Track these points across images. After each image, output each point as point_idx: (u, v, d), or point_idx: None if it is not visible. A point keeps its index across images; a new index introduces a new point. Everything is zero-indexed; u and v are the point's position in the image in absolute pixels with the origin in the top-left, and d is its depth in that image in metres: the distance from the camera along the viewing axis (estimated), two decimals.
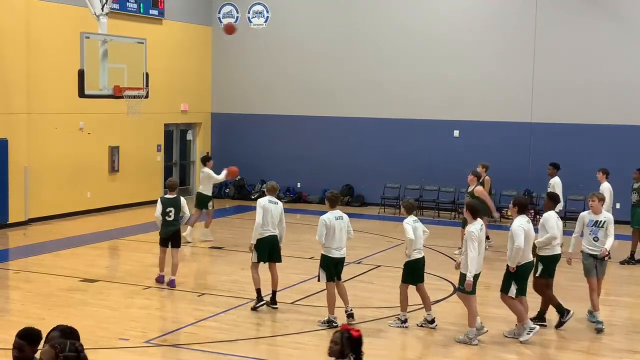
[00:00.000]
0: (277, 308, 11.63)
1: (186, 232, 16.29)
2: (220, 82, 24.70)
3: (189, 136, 24.75)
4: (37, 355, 5.02)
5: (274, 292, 11.71)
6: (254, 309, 11.53)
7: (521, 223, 10.18)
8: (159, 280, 13.12)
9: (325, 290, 10.87)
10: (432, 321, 10.80)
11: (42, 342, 5.14)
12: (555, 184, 15.91)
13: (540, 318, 11.10)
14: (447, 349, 10.03)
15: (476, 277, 10.14)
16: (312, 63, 23.31)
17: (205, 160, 17.39)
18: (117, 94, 15.16)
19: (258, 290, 11.58)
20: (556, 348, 10.25)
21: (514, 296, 10.22)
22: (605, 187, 15.21)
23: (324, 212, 10.80)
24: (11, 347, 5.18)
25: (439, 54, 21.82)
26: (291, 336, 10.38)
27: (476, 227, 10.05)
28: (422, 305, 10.98)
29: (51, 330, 5.37)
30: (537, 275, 10.76)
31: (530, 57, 20.86)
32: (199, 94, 24.31)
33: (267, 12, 23.86)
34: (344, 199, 22.58)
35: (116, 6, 19.42)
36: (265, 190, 12.10)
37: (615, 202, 16.34)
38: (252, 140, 24.10)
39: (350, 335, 5.46)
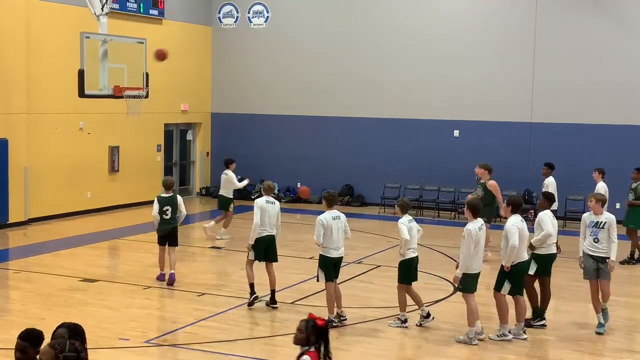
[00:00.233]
0: (277, 307, 11.64)
1: (208, 225, 17.20)
2: (220, 82, 24.70)
3: (189, 136, 24.75)
4: (38, 356, 5.02)
5: (272, 292, 11.74)
6: (249, 305, 11.61)
7: (515, 222, 10.21)
8: (160, 278, 13.17)
9: (325, 290, 10.87)
10: (428, 315, 10.83)
11: (44, 341, 5.14)
12: (550, 184, 15.93)
13: (540, 318, 11.11)
14: (447, 349, 10.03)
15: (475, 276, 10.15)
16: (312, 63, 23.31)
17: (228, 163, 17.44)
18: (117, 94, 15.16)
19: (251, 285, 11.71)
20: (556, 348, 10.25)
21: (505, 294, 10.23)
22: (601, 187, 15.25)
23: (323, 212, 10.81)
24: (12, 347, 5.17)
25: (439, 54, 21.82)
26: (291, 336, 10.33)
27: (475, 225, 10.07)
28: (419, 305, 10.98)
29: (57, 328, 5.38)
30: (529, 273, 10.77)
31: (530, 57, 20.86)
32: (199, 94, 24.31)
33: (267, 12, 23.88)
34: (344, 199, 22.61)
35: (116, 6, 19.42)
36: (262, 190, 12.15)
37: (615, 202, 16.36)
38: (252, 140, 24.10)
39: (315, 324, 5.59)
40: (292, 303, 11.98)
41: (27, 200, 18.46)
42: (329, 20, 23.10)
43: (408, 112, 22.29)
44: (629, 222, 15.75)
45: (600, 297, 10.73)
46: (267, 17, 23.89)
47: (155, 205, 13.05)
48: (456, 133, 21.86)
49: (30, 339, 5.10)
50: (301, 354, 5.54)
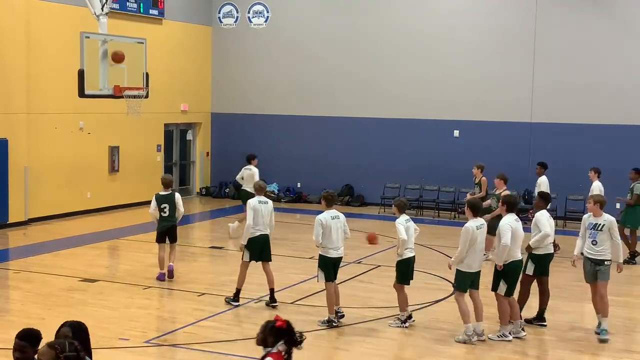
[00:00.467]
0: (276, 306, 11.65)
1: (232, 228, 17.24)
2: (220, 82, 24.70)
3: (189, 136, 24.75)
4: (36, 356, 5.01)
5: (271, 291, 11.76)
6: (227, 302, 11.72)
7: (509, 221, 10.22)
8: (160, 278, 13.18)
9: (325, 290, 10.88)
10: (409, 317, 10.86)
11: (42, 340, 5.13)
12: (542, 183, 15.96)
13: (539, 318, 11.12)
14: (447, 349, 10.03)
15: (471, 275, 10.15)
16: (312, 63, 23.31)
17: (250, 159, 17.65)
18: (117, 94, 15.15)
19: (238, 291, 11.77)
20: (556, 348, 10.25)
21: (502, 294, 10.24)
22: (596, 186, 15.29)
23: (322, 212, 10.82)
24: (11, 347, 5.16)
25: (439, 53, 21.83)
26: None
27: (473, 224, 10.09)
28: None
29: (61, 327, 5.37)
30: (527, 273, 10.76)
31: (530, 57, 20.86)
32: (199, 94, 24.31)
33: (267, 12, 23.88)
34: (344, 199, 22.61)
35: (116, 6, 19.43)
36: (254, 190, 12.22)
37: (615, 202, 16.36)
38: (252, 140, 24.08)
39: (273, 325, 5.61)
40: (292, 303, 11.98)
41: (27, 200, 18.46)
42: (329, 20, 23.10)
43: (408, 112, 22.29)
44: (626, 222, 15.74)
45: (597, 302, 10.58)
46: (267, 17, 23.89)
47: (153, 203, 13.23)
48: (456, 133, 21.86)
49: (29, 338, 5.09)
50: (264, 356, 5.55)
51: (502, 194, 14.58)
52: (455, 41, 21.58)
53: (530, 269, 10.78)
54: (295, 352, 5.79)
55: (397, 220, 10.72)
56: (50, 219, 19.04)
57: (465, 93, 21.58)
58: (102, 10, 15.24)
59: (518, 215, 10.55)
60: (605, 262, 10.44)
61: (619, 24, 20.19)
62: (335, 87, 23.13)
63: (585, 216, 10.79)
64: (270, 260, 11.92)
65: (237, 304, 11.71)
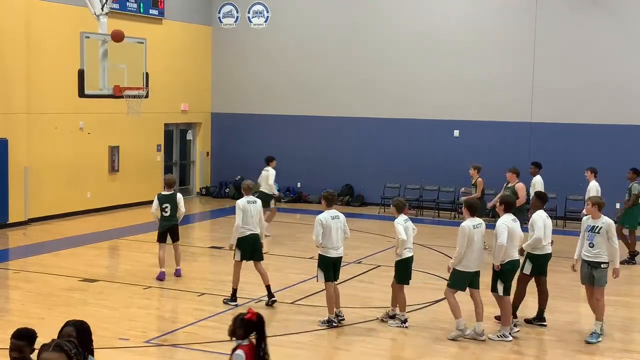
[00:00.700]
0: (275, 300, 11.72)
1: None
2: (220, 82, 24.70)
3: (189, 136, 24.75)
4: (33, 356, 5.00)
5: (267, 287, 11.84)
6: (225, 303, 11.76)
7: (505, 221, 10.22)
8: (160, 277, 13.21)
9: (325, 290, 10.88)
10: (393, 316, 10.91)
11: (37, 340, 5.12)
12: (537, 183, 15.97)
13: (539, 318, 11.12)
14: (447, 349, 10.03)
15: (467, 275, 10.15)
16: (312, 63, 23.31)
17: (269, 161, 17.90)
18: (117, 93, 15.15)
19: (234, 291, 11.84)
20: (555, 348, 10.25)
21: (501, 294, 10.24)
22: (593, 186, 15.30)
23: (322, 212, 10.82)
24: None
25: (439, 54, 21.83)
26: (291, 336, 10.38)
27: (469, 223, 10.11)
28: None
29: (64, 326, 5.35)
30: (524, 272, 10.75)
31: (530, 58, 20.86)
32: (199, 94, 24.31)
33: (267, 12, 23.88)
34: (344, 199, 22.62)
35: (116, 6, 19.43)
36: (242, 190, 12.28)
37: (615, 202, 16.36)
38: (252, 140, 24.10)
39: (243, 318, 5.77)
40: (292, 303, 11.98)
41: (27, 200, 18.46)
42: (329, 20, 23.09)
43: (408, 112, 22.29)
44: (624, 222, 15.74)
45: (594, 306, 10.48)
46: (267, 17, 23.89)
47: (155, 203, 13.34)
48: (456, 133, 21.86)
49: (27, 338, 5.08)
50: (235, 348, 5.76)
51: (516, 186, 14.90)
52: (455, 41, 21.58)
53: (527, 268, 10.78)
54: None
55: (396, 220, 10.74)
56: (50, 219, 19.04)
57: (466, 93, 21.59)
58: (102, 10, 15.24)
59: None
60: (602, 265, 10.28)
61: (619, 24, 20.19)
62: (335, 87, 23.13)
63: (584, 218, 10.74)
64: (262, 259, 12.00)
65: (235, 303, 11.72)
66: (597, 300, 10.40)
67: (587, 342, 10.27)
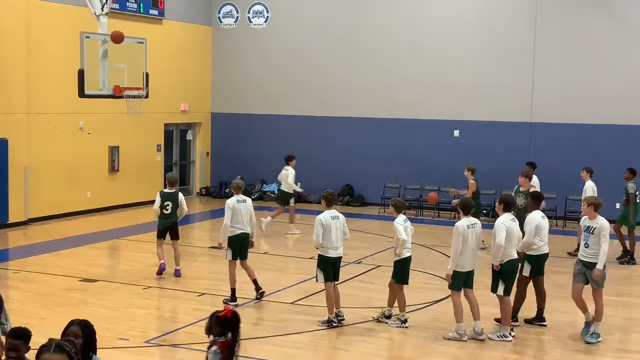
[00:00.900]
0: (264, 292, 11.90)
1: (264, 223, 17.50)
2: (220, 82, 24.70)
3: (189, 136, 24.75)
4: (28, 355, 5.01)
5: (255, 282, 11.96)
6: (225, 303, 11.66)
7: (504, 220, 10.23)
8: (161, 268, 13.45)
9: (325, 291, 10.88)
10: (389, 316, 10.92)
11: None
12: (533, 183, 15.91)
13: (539, 318, 11.12)
14: (447, 349, 10.04)
15: (464, 274, 10.16)
16: (312, 63, 23.31)
17: (288, 160, 18.07)
18: (117, 94, 15.16)
19: (233, 290, 11.89)
20: (555, 348, 10.25)
21: (502, 294, 10.24)
22: (589, 186, 15.30)
23: (322, 212, 10.83)
24: None
25: (439, 54, 21.82)
26: (291, 336, 10.39)
27: (464, 222, 10.12)
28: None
29: (69, 326, 5.34)
30: (523, 274, 10.74)
31: (530, 58, 20.86)
32: (199, 94, 24.31)
33: (267, 12, 23.88)
34: (344, 199, 22.62)
35: (116, 6, 19.42)
36: (231, 188, 12.32)
37: (615, 202, 16.36)
38: (252, 140, 24.11)
39: (218, 316, 5.90)
40: (292, 303, 11.98)
41: (27, 200, 18.46)
42: (329, 21, 23.09)
43: (408, 112, 22.29)
44: (622, 221, 15.74)
45: (593, 310, 10.42)
46: (267, 17, 23.89)
47: (157, 200, 13.45)
48: (456, 133, 21.86)
49: (23, 337, 5.09)
50: (211, 344, 5.88)
51: (531, 190, 14.13)
52: (455, 41, 21.58)
53: (526, 270, 10.76)
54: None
55: (396, 220, 10.75)
56: (50, 219, 19.04)
57: (466, 93, 21.58)
58: (102, 10, 15.24)
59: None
60: (597, 266, 10.23)
61: (619, 24, 20.19)
62: (335, 87, 23.13)
63: (582, 218, 10.73)
64: (246, 258, 12.07)
65: (235, 303, 11.71)
66: (596, 303, 10.36)
67: (587, 343, 10.27)
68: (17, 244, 16.86)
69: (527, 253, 10.71)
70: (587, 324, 10.46)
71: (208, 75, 24.70)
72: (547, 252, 10.95)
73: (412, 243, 10.93)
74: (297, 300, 12.12)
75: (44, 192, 18.86)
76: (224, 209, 11.94)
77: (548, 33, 20.70)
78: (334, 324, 10.70)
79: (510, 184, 19.94)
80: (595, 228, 10.22)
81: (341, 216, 10.88)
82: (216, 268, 15.03)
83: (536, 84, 20.87)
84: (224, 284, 13.03)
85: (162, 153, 23.03)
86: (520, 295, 10.92)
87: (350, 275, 13.61)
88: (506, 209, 10.39)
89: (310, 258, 14.74)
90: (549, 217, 12.30)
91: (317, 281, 10.92)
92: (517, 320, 10.82)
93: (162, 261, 13.47)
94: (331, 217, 10.69)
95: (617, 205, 16.89)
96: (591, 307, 10.48)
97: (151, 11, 21.90)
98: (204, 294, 12.54)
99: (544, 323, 11.03)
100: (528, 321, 11.06)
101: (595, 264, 10.21)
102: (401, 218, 10.77)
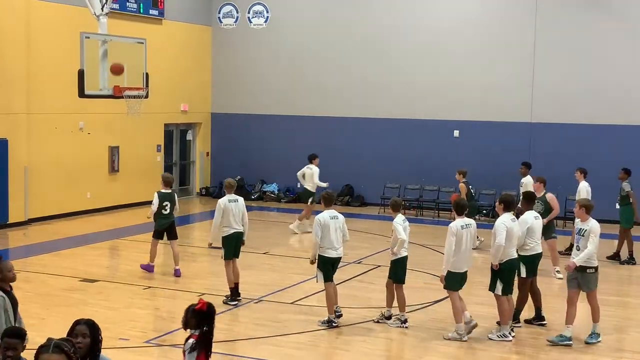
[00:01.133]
0: (240, 299, 11.85)
1: (293, 225, 17.91)
2: (220, 82, 24.70)
3: (189, 136, 24.75)
4: (24, 354, 5.02)
5: (236, 285, 11.96)
6: (225, 303, 11.76)
7: (504, 220, 10.23)
8: (149, 269, 13.60)
9: (325, 291, 10.88)
10: (389, 317, 10.92)
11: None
12: (527, 183, 15.93)
13: (538, 318, 11.12)
14: (447, 349, 10.04)
15: (460, 275, 10.16)
16: (312, 63, 23.31)
17: (312, 158, 18.34)
18: (117, 94, 15.16)
19: (231, 290, 11.93)
20: (555, 348, 10.24)
21: (500, 294, 10.24)
22: (582, 187, 15.29)
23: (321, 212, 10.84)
24: None
25: (439, 54, 21.82)
26: (291, 336, 10.39)
27: (457, 223, 10.13)
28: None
29: (75, 325, 5.33)
30: (522, 276, 10.72)
31: (530, 57, 20.86)
32: (199, 94, 24.31)
33: (267, 12, 23.88)
34: (344, 199, 22.62)
35: (116, 6, 19.42)
36: (224, 188, 12.35)
37: (615, 203, 16.35)
38: (252, 140, 24.10)
39: (194, 309, 5.98)
40: (292, 303, 11.98)
41: (27, 200, 18.46)
42: (329, 21, 23.09)
43: (408, 112, 22.29)
44: (621, 221, 15.74)
45: (591, 313, 10.36)
46: (267, 17, 23.89)
47: (156, 200, 13.50)
48: (456, 133, 21.86)
49: (20, 336, 5.10)
50: (188, 337, 5.98)
51: (546, 196, 13.88)
52: (455, 41, 21.58)
53: (523, 271, 10.74)
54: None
55: (395, 220, 10.77)
56: (50, 219, 19.04)
57: (466, 93, 21.58)
58: (102, 11, 15.24)
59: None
60: (588, 270, 10.08)
61: (620, 24, 20.19)
62: (335, 87, 23.12)
63: (576, 220, 10.62)
64: (238, 257, 12.10)
65: (235, 303, 11.72)
66: (591, 306, 10.29)
67: (587, 343, 10.26)
68: (17, 244, 16.86)
69: (520, 254, 10.67)
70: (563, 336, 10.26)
71: (208, 75, 24.70)
72: (540, 251, 10.97)
73: (411, 243, 10.95)
74: (297, 300, 12.12)
75: (44, 192, 18.86)
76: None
77: (548, 33, 20.70)
78: (333, 324, 10.70)
79: (510, 184, 20.01)
80: (586, 230, 10.06)
81: (340, 216, 10.88)
82: (216, 268, 15.02)
83: (536, 84, 20.86)
84: (223, 284, 13.02)
85: (162, 153, 23.03)
86: (522, 296, 10.90)
87: (350, 275, 13.62)
88: (506, 209, 10.39)
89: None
90: None
91: (317, 282, 10.92)
92: (519, 322, 10.81)
93: (152, 264, 13.70)
94: (330, 217, 10.69)
95: (617, 206, 16.87)
96: (588, 310, 10.46)
97: (151, 11, 21.90)
98: (204, 294, 12.51)
99: (544, 322, 11.03)
100: (528, 321, 11.06)
101: (587, 267, 10.03)
102: (400, 218, 10.78)
